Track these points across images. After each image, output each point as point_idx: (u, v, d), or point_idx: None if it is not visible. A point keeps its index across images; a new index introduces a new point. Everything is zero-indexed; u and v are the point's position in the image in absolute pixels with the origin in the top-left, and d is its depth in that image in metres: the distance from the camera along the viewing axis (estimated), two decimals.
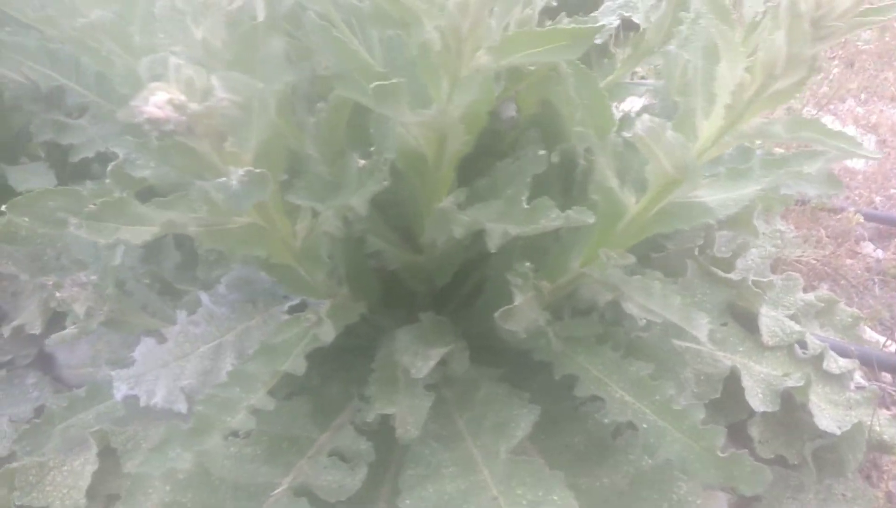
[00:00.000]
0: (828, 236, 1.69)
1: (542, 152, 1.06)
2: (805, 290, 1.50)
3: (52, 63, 1.17)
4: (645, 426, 0.98)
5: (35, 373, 1.42)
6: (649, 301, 0.99)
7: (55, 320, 1.42)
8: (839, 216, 1.78)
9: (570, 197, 1.19)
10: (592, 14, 1.14)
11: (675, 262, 1.30)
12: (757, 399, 1.15)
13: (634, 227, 0.92)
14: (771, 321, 1.28)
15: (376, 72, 0.90)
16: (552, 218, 0.83)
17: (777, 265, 1.61)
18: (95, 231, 0.76)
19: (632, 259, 0.90)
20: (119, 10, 1.07)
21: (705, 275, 1.29)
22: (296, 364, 1.00)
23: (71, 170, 1.59)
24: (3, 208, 0.74)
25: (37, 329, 1.32)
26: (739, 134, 0.77)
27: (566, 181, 1.17)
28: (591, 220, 0.80)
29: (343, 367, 1.31)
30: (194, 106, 0.66)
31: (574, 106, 0.92)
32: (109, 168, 0.89)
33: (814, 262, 1.65)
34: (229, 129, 0.72)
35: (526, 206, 0.86)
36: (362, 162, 0.84)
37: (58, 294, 1.11)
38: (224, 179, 0.72)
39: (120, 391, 1.19)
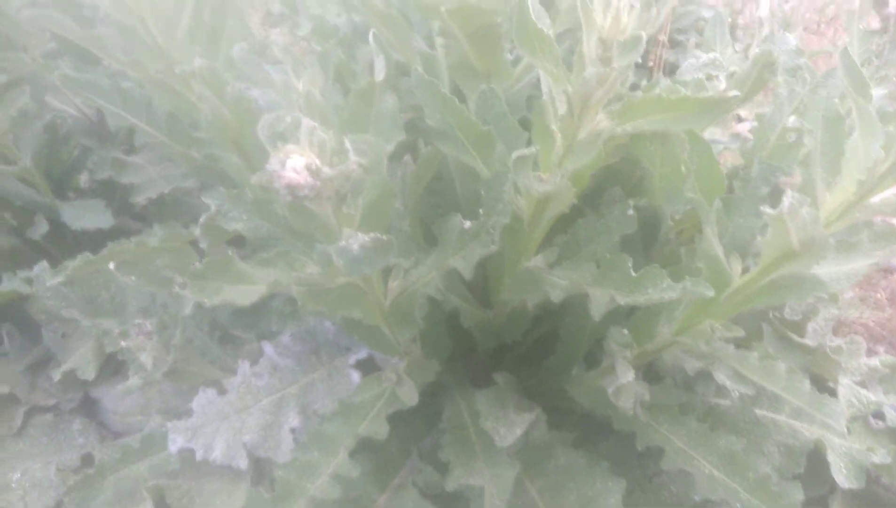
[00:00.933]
0: (886, 298, 1.66)
1: (630, 212, 1.04)
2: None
3: (124, 102, 1.15)
4: (739, 505, 0.94)
5: (81, 419, 1.38)
6: (748, 372, 0.96)
7: (105, 364, 1.38)
8: (894, 277, 1.75)
9: (651, 255, 1.16)
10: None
11: (748, 324, 1.26)
12: (842, 475, 1.10)
13: (739, 297, 0.88)
14: (847, 390, 1.24)
15: (480, 131, 0.88)
16: (663, 288, 0.80)
17: (837, 328, 1.58)
18: (199, 291, 0.73)
19: (740, 332, 0.86)
20: (202, 52, 1.06)
21: (781, 340, 1.25)
22: (376, 427, 0.96)
23: (122, 206, 1.57)
24: (112, 267, 0.70)
25: (90, 375, 1.28)
26: (869, 209, 0.74)
27: (648, 239, 1.14)
28: (711, 293, 0.77)
29: (400, 422, 1.27)
30: (328, 171, 0.63)
31: (663, 165, 0.89)
32: (202, 220, 0.86)
33: (871, 324, 1.62)
34: (351, 191, 0.69)
35: (633, 273, 0.83)
36: (467, 223, 0.81)
37: (123, 343, 1.07)
38: (344, 243, 0.69)
39: (175, 443, 1.14)
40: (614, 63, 0.65)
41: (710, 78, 1.07)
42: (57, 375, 1.31)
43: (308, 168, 0.62)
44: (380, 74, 0.77)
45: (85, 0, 1.10)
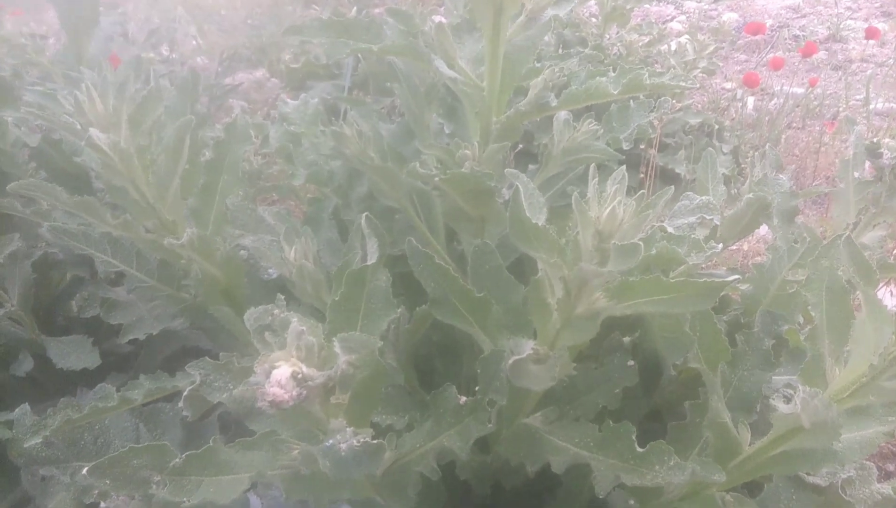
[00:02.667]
0: None
1: (631, 363, 1.01)
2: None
3: (113, 251, 1.14)
4: None
5: None
6: None
7: None
8: None
9: (652, 399, 1.13)
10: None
11: None
12: None
13: (749, 466, 0.84)
14: None
15: (475, 298, 0.86)
16: (670, 467, 0.76)
17: None
18: (178, 489, 0.69)
19: (753, 506, 0.82)
20: (193, 206, 1.05)
21: (791, 480, 1.20)
22: None
23: (108, 332, 1.53)
24: (85, 471, 0.66)
25: None
26: (883, 390, 0.71)
27: (649, 382, 1.10)
28: (722, 479, 0.73)
29: None
30: (316, 377, 0.60)
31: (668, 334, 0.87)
32: (185, 393, 0.83)
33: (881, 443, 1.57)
34: (340, 386, 0.66)
35: (638, 448, 0.80)
36: (463, 398, 0.78)
37: (103, 505, 1.01)
38: (331, 443, 0.65)
39: None
40: (610, 264, 0.63)
41: (702, 221, 1.07)
42: None
43: (294, 377, 0.59)
44: (372, 258, 0.76)
45: (76, 154, 1.10)
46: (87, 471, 0.66)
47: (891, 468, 1.63)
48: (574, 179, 1.21)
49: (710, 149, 1.20)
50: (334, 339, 0.62)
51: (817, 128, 3.40)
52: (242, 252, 1.08)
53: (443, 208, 1.12)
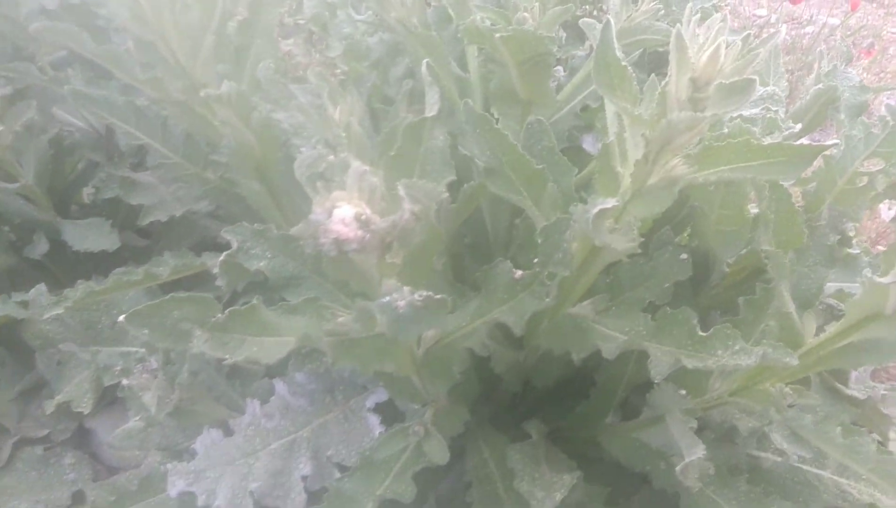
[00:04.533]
0: None
1: (684, 257, 0.96)
2: None
3: (138, 121, 1.07)
4: None
5: (73, 452, 1.28)
6: (806, 434, 0.88)
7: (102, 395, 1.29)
8: None
9: (699, 302, 1.08)
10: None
11: None
12: None
13: (811, 359, 0.80)
14: None
15: (533, 170, 0.80)
16: (736, 351, 0.72)
17: (874, 372, 1.50)
18: (221, 346, 0.65)
19: (815, 399, 0.78)
20: (225, 72, 0.98)
21: (829, 391, 1.17)
22: (401, 487, 0.88)
23: (126, 222, 1.48)
24: (121, 320, 0.62)
25: (86, 408, 1.19)
26: None
27: (697, 285, 1.06)
28: (795, 362, 0.69)
29: None
30: (380, 222, 0.55)
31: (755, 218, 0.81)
32: (222, 258, 0.78)
33: None
34: (399, 240, 0.61)
35: (700, 331, 0.75)
36: (519, 272, 0.73)
37: (125, 382, 0.98)
38: (388, 299, 0.61)
39: (175, 486, 1.05)
40: (709, 108, 0.57)
41: (767, 113, 1.00)
42: (50, 407, 1.22)
43: (358, 219, 0.54)
44: (433, 109, 0.69)
45: (101, 10, 1.02)
46: (125, 318, 0.62)
47: None
48: (631, 64, 1.13)
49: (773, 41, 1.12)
50: (398, 184, 0.57)
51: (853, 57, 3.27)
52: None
53: (489, 88, 1.05)
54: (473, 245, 1.18)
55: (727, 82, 0.56)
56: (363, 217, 0.54)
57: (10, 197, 1.29)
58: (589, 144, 1.14)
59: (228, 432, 1.09)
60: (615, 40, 0.60)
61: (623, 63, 0.61)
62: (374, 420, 1.09)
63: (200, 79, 0.92)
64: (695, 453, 0.72)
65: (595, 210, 0.59)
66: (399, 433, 0.92)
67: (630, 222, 0.68)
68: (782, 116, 1.02)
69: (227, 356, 0.64)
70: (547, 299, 0.71)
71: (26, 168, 1.26)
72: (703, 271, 1.03)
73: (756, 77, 0.54)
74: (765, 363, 0.69)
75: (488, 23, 0.84)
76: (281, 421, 1.11)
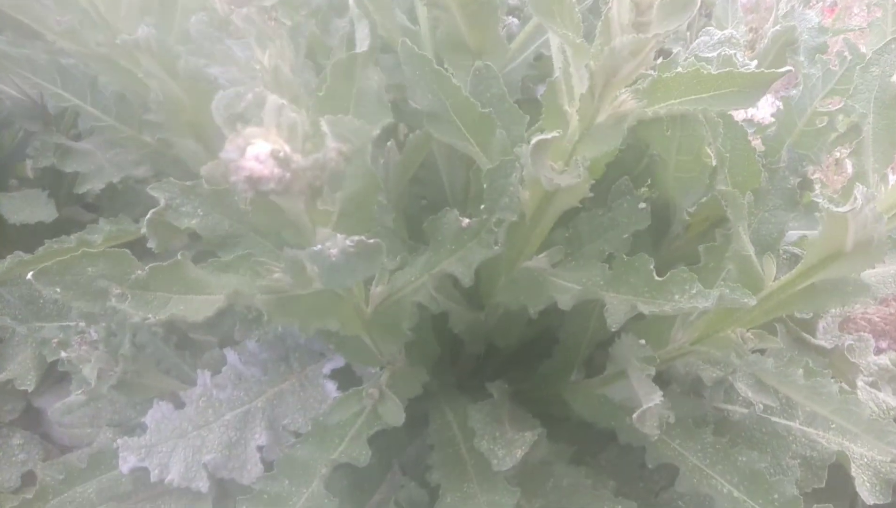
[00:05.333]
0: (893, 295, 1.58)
1: (643, 206, 0.93)
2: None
3: (63, 81, 1.00)
4: None
5: (22, 432, 1.23)
6: (769, 380, 0.86)
7: (49, 372, 1.24)
8: None
9: (660, 254, 1.05)
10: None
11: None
12: (866, 490, 1.01)
13: (771, 303, 0.78)
14: (866, 394, 1.15)
15: (479, 113, 0.75)
16: (692, 295, 0.69)
17: (843, 324, 1.50)
18: (143, 304, 0.60)
19: (777, 343, 0.76)
20: (152, 24, 0.91)
21: (795, 341, 1.16)
22: (356, 451, 0.84)
23: (69, 196, 1.41)
24: (30, 276, 0.57)
25: (30, 386, 1.14)
26: None
27: (657, 235, 1.03)
28: (753, 302, 0.66)
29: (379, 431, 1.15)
30: (300, 160, 0.50)
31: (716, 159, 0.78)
32: (148, 216, 0.73)
33: (876, 319, 1.54)
34: (329, 183, 0.56)
35: (656, 277, 0.72)
36: (466, 220, 0.69)
37: (63, 354, 0.93)
38: (320, 247, 0.56)
39: (127, 462, 1.01)
40: (653, 29, 0.53)
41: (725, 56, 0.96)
42: None
43: (275, 156, 0.49)
44: (363, 44, 0.64)
45: None
46: (33, 275, 0.57)
47: (883, 345, 1.61)
48: (585, 11, 1.08)
49: None
50: (321, 120, 0.52)
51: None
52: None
53: (436, 38, 1.00)
54: (431, 205, 1.14)
55: (667, 1, 0.52)
56: (281, 154, 0.49)
57: None
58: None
59: (179, 404, 1.04)
60: None
61: None
62: (331, 387, 1.05)
63: (123, 31, 0.86)
64: (652, 400, 0.70)
65: (534, 141, 0.55)
66: (353, 397, 0.88)
67: (579, 161, 0.64)
68: (739, 58, 0.99)
69: (149, 316, 0.59)
70: (496, 247, 0.67)
71: None
72: (663, 221, 1.00)
73: None
74: (722, 304, 0.66)
75: None
76: (234, 391, 1.07)
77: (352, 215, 0.64)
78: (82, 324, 1.08)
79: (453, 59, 1.01)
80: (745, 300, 0.65)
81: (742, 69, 0.76)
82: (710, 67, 0.83)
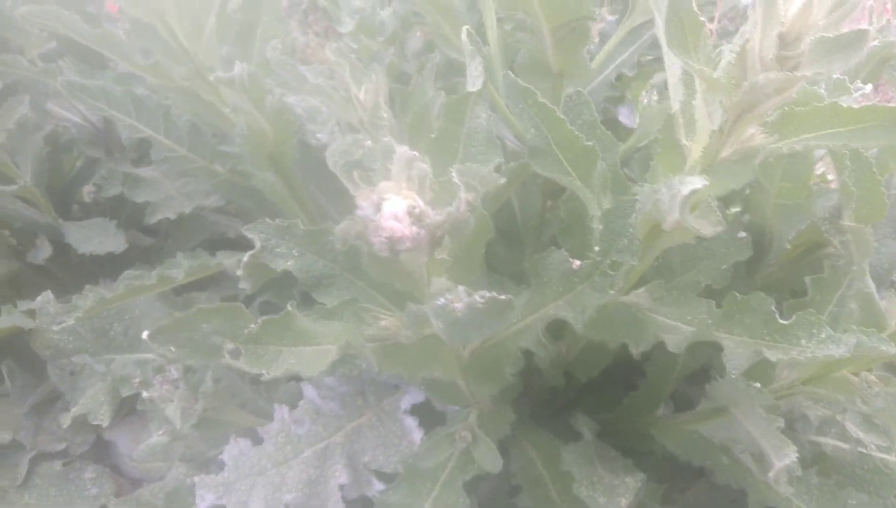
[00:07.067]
0: None
1: (742, 235, 0.88)
2: None
3: (138, 112, 0.99)
4: None
5: (93, 466, 1.22)
6: (880, 418, 0.81)
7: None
8: None
9: (754, 283, 1.01)
10: None
11: None
12: None
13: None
14: None
15: (583, 147, 0.72)
16: (822, 340, 0.64)
17: None
18: (256, 359, 0.58)
19: None
20: (230, 54, 0.90)
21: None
22: (454, 499, 0.81)
23: (130, 220, 1.40)
24: (145, 337, 0.55)
25: (104, 421, 1.12)
26: None
27: (752, 265, 0.98)
28: (893, 349, 0.62)
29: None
30: (433, 215, 0.48)
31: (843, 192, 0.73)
32: (245, 259, 0.71)
33: None
34: (451, 234, 0.53)
35: (780, 319, 0.68)
36: (577, 262, 0.65)
37: (145, 394, 0.92)
38: (443, 301, 0.53)
39: (205, 500, 0.99)
40: (804, 67, 0.49)
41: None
42: (66, 420, 1.15)
43: (410, 213, 0.46)
44: (476, 83, 0.62)
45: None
46: (148, 336, 0.55)
47: None
48: None
49: None
50: (452, 170, 0.49)
51: None
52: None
53: (517, 60, 0.97)
54: (502, 232, 1.10)
55: (830, 36, 0.48)
56: (416, 211, 0.46)
57: (9, 200, 1.22)
58: (625, 115, 1.06)
59: (257, 440, 1.02)
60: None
61: (700, 18, 0.53)
62: (412, 423, 1.02)
63: (205, 62, 0.84)
64: (786, 456, 0.65)
65: (686, 191, 0.52)
66: (444, 440, 0.85)
67: (707, 201, 0.60)
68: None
69: (263, 372, 0.57)
70: (612, 292, 0.64)
71: (23, 168, 1.18)
72: (759, 250, 0.95)
73: (869, 28, 0.47)
74: (858, 353, 0.62)
75: None
76: (312, 427, 1.04)
77: (462, 261, 0.62)
78: (157, 359, 1.07)
79: (531, 80, 0.97)
80: (884, 349, 0.61)
81: (856, 94, 0.72)
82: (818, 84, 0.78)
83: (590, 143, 0.72)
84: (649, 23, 1.04)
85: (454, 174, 0.49)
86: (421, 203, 0.47)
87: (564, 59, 0.91)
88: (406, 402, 1.04)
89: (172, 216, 1.12)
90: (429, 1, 0.90)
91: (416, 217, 0.46)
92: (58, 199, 1.39)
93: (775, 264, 0.99)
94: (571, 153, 0.72)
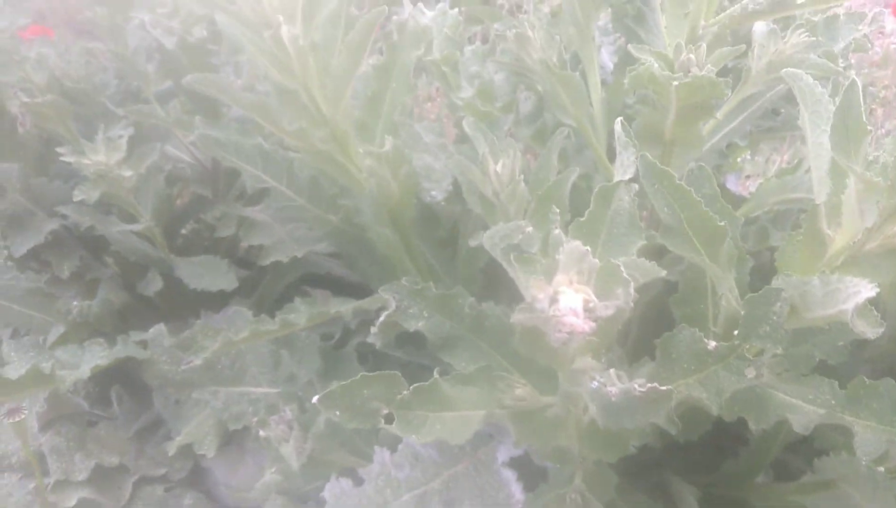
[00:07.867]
0: None
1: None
2: None
3: (265, 165, 1.05)
4: None
5: (192, 493, 1.27)
6: None
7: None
8: None
9: (861, 356, 1.00)
10: None
11: None
12: None
13: None
14: None
15: (715, 227, 0.74)
16: None
17: None
18: (406, 424, 0.61)
19: None
20: (362, 118, 0.95)
21: None
22: None
23: (226, 253, 1.47)
24: (316, 400, 0.59)
25: (209, 451, 1.18)
26: None
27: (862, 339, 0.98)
28: None
29: None
30: (604, 309, 0.50)
31: None
32: (381, 319, 0.74)
33: None
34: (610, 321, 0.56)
35: None
36: (712, 343, 0.67)
37: (262, 433, 0.96)
38: (597, 384, 0.56)
39: None
40: None
41: None
42: (172, 448, 1.21)
43: (586, 308, 0.49)
44: (627, 172, 0.65)
45: (219, 56, 1.00)
46: (318, 401, 0.59)
47: None
48: (776, 98, 1.06)
49: None
50: (619, 265, 0.52)
51: None
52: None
53: (608, 123, 1.00)
54: None
55: None
56: (591, 305, 0.49)
57: (129, 237, 1.29)
58: (732, 183, 1.08)
59: (357, 480, 1.06)
60: (861, 101, 0.54)
61: (867, 127, 0.55)
62: (510, 476, 1.04)
63: (341, 126, 0.90)
64: None
65: (860, 298, 0.53)
66: (553, 501, 0.87)
67: (866, 303, 0.61)
68: None
69: (413, 436, 0.60)
70: (750, 377, 0.65)
71: (144, 207, 1.26)
72: None
73: None
74: None
75: (657, 67, 0.78)
76: (411, 472, 1.07)
77: (604, 339, 0.64)
78: (263, 392, 1.12)
79: (642, 146, 1.00)
80: None
81: None
82: None
83: (722, 223, 0.73)
84: (760, 94, 1.05)
85: (623, 270, 0.51)
86: (594, 298, 0.50)
87: (682, 131, 0.93)
88: (504, 454, 1.06)
89: (285, 260, 1.17)
90: (549, 72, 0.94)
91: (589, 311, 0.49)
92: (168, 233, 1.47)
93: (883, 337, 0.98)
94: (703, 234, 0.74)
